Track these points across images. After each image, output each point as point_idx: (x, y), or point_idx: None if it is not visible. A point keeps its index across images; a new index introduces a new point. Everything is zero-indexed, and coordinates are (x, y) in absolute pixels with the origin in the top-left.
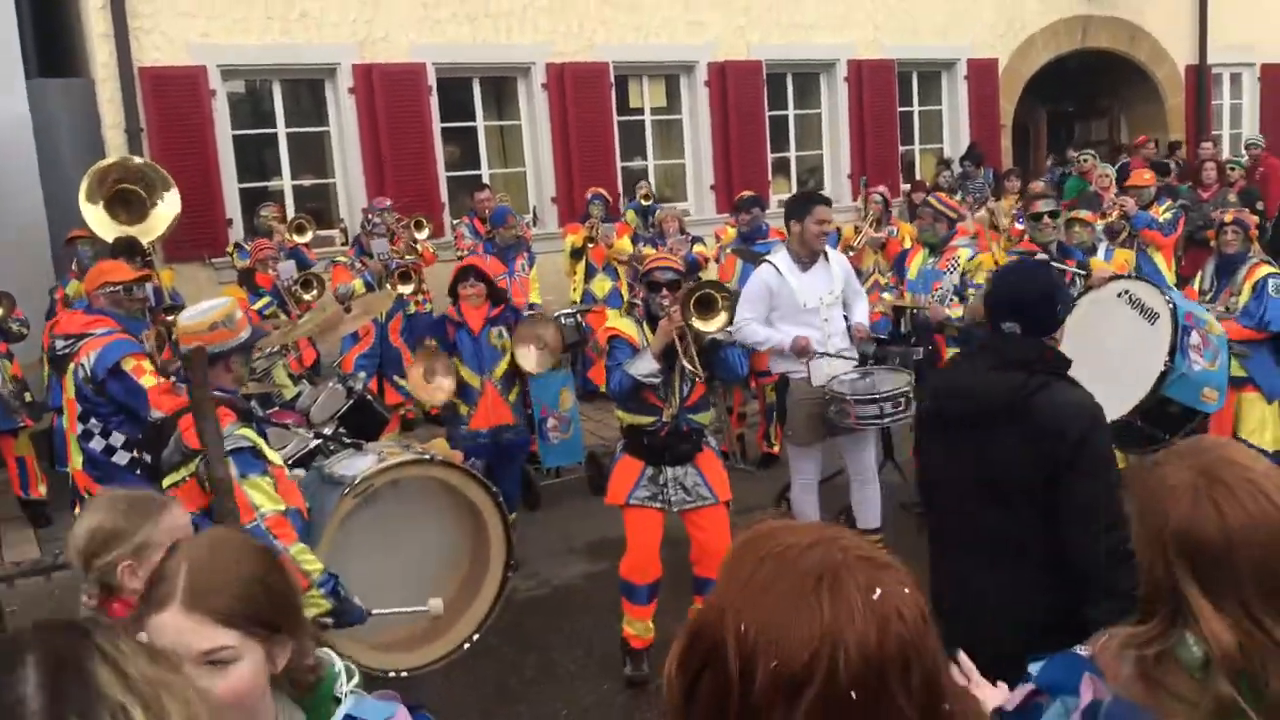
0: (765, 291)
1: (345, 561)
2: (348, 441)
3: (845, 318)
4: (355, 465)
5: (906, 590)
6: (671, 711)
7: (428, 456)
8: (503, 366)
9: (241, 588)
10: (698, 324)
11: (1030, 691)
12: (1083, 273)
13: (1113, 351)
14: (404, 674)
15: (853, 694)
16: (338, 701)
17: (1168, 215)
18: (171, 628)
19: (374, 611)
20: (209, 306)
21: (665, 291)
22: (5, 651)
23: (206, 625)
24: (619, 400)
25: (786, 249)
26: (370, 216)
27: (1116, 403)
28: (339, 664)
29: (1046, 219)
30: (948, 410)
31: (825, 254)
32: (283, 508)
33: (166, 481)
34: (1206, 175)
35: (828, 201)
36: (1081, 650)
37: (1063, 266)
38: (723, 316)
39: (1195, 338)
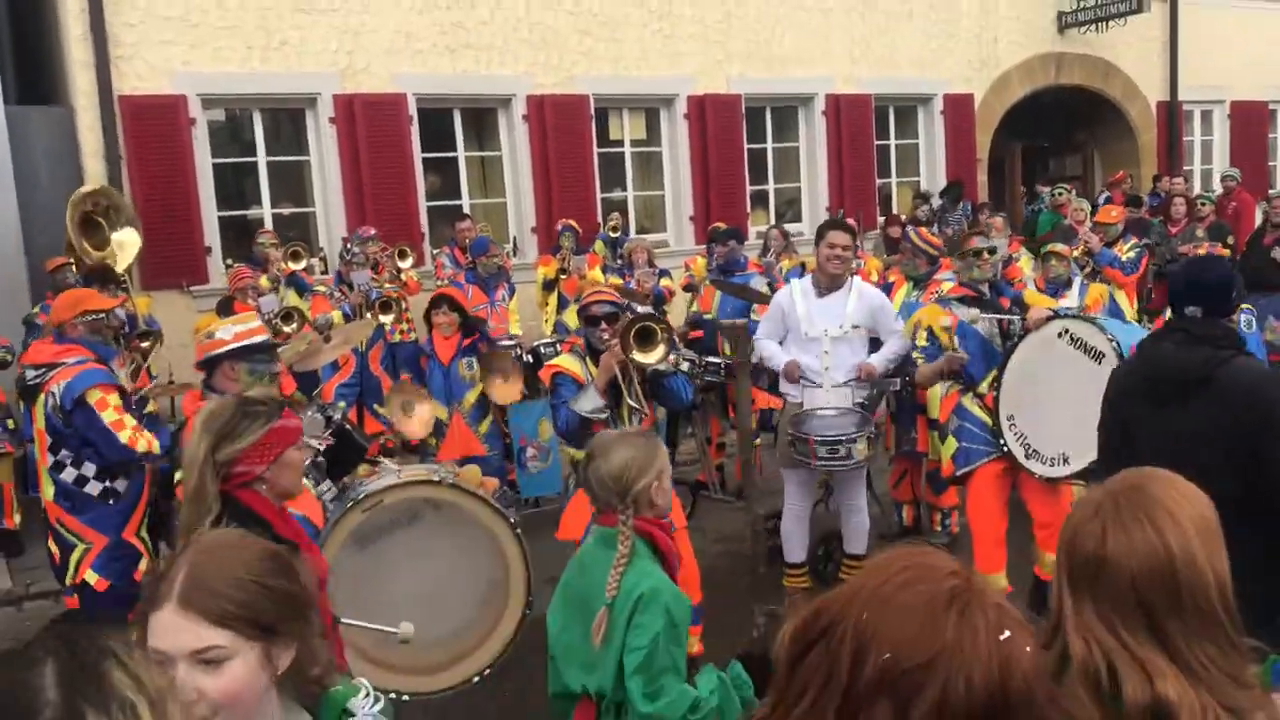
0: (779, 312)
1: (374, 577)
2: (375, 460)
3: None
4: (373, 483)
5: (1029, 648)
6: (776, 678)
7: (437, 478)
8: (471, 398)
9: (238, 589)
10: (638, 356)
11: None
12: (1018, 314)
13: (1062, 395)
14: (405, 697)
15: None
16: (348, 714)
17: (1131, 254)
18: (165, 625)
19: (344, 620)
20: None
21: (604, 325)
22: (27, 652)
23: (199, 624)
24: (568, 438)
25: (813, 275)
26: (350, 246)
27: (1074, 451)
28: (367, 685)
29: (985, 255)
30: (1138, 390)
31: (852, 285)
32: None
33: (178, 478)
34: (1175, 210)
35: (843, 227)
36: None
37: (999, 316)
38: (661, 349)
39: None
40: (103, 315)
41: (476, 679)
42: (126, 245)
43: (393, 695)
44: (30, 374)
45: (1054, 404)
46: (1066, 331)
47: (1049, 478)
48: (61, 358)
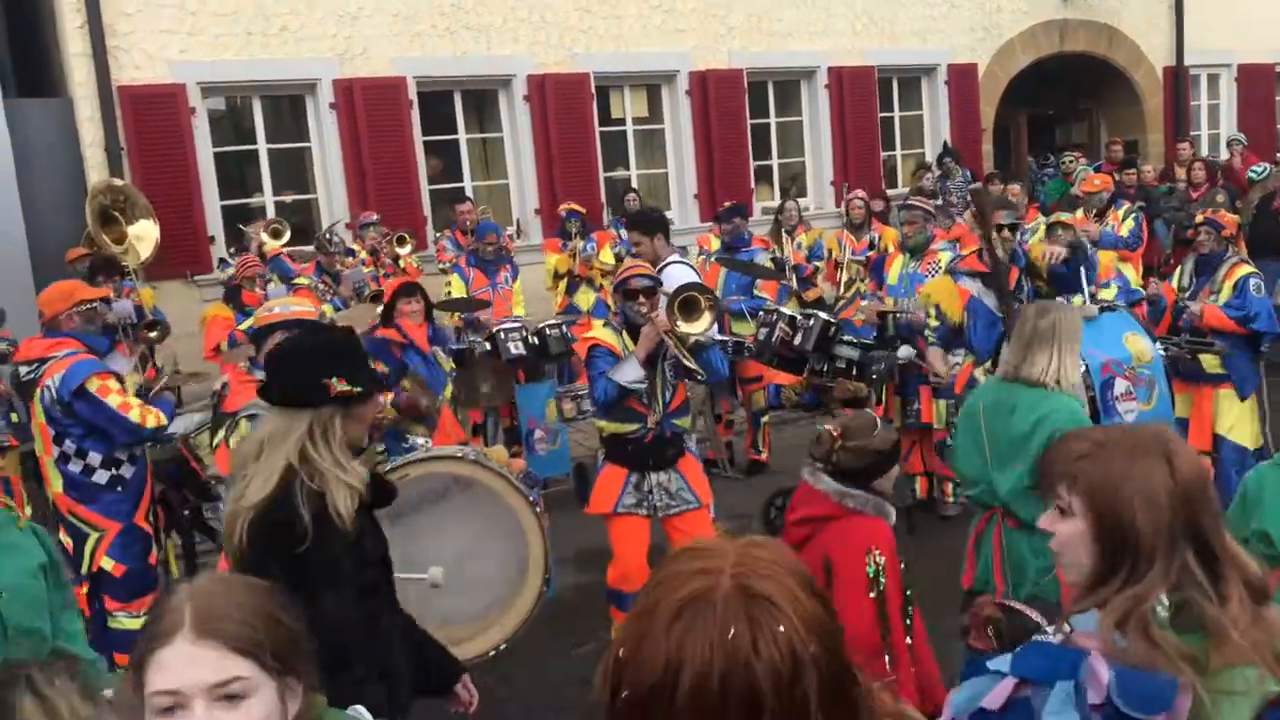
0: None
1: (403, 551)
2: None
3: None
4: (401, 458)
5: (780, 628)
6: None
7: (459, 454)
8: (449, 389)
9: (253, 616)
10: (684, 327)
11: (1014, 685)
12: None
13: None
14: None
15: None
16: None
17: (1130, 224)
18: (179, 659)
19: None
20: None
21: (641, 299)
22: None
23: (220, 653)
24: (604, 409)
25: None
26: (330, 237)
27: None
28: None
29: (1005, 232)
30: None
31: (663, 269)
32: None
33: (216, 439)
34: (1195, 175)
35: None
36: (1050, 638)
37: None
38: (707, 317)
39: (1121, 385)
40: (95, 305)
41: (493, 652)
42: (144, 238)
43: None
44: (24, 370)
45: None
46: None
47: None
48: (52, 351)
